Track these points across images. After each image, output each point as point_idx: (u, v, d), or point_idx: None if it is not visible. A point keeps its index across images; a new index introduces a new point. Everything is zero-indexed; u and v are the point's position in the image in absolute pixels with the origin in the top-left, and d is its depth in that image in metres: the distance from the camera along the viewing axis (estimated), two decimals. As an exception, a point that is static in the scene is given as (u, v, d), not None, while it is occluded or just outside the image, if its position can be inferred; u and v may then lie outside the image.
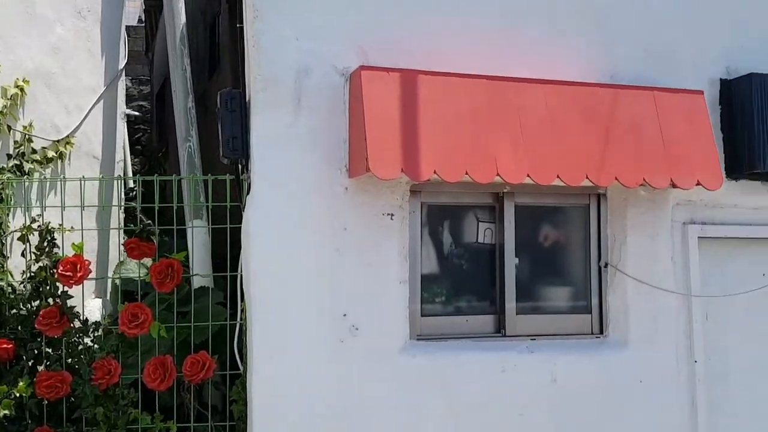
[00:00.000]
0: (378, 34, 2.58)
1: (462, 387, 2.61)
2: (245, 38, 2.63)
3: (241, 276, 2.65)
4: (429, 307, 2.74)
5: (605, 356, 2.78)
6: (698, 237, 2.95)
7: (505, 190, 2.76)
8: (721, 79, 2.98)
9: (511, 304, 2.77)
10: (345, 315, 2.52)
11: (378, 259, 2.56)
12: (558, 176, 2.53)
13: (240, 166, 2.72)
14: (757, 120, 2.85)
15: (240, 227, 2.57)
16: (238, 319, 2.71)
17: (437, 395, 2.59)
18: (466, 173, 2.41)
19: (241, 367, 2.66)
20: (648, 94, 2.70)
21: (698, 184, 2.65)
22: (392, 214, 2.57)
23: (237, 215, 2.66)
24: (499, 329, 2.77)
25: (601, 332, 2.87)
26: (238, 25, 2.78)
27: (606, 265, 2.88)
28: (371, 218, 2.55)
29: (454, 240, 2.81)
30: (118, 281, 3.25)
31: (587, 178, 2.55)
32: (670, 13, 2.94)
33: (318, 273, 2.50)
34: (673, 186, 2.65)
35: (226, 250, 2.73)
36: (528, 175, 2.48)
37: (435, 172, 2.38)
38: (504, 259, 2.78)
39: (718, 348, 2.99)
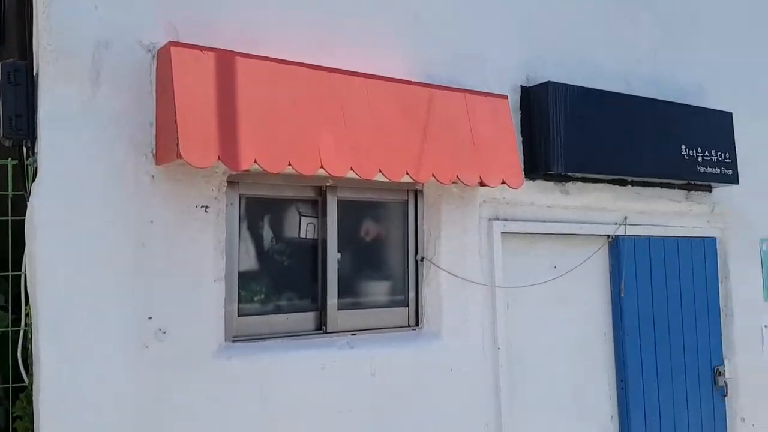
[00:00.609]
0: (190, 11, 2.38)
1: (280, 388, 2.50)
2: (34, 3, 2.28)
3: (25, 276, 2.29)
4: (247, 306, 2.60)
5: (420, 348, 2.86)
6: (501, 232, 3.16)
7: (328, 184, 2.72)
8: (521, 86, 3.24)
9: (332, 300, 2.73)
10: (150, 318, 2.27)
11: (190, 256, 2.35)
12: (380, 170, 2.54)
13: (25, 149, 2.35)
14: (552, 126, 3.14)
15: (24, 219, 2.21)
16: (22, 324, 2.35)
17: (254, 399, 2.45)
18: (289, 164, 2.31)
19: (26, 379, 2.31)
20: (460, 95, 2.84)
21: (503, 182, 2.84)
22: (207, 207, 2.39)
23: (21, 206, 2.29)
24: (321, 326, 2.72)
25: (417, 324, 2.95)
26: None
27: (422, 259, 2.97)
28: (183, 210, 2.34)
29: (274, 235, 2.70)
30: None
31: (407, 173, 2.60)
32: (478, 20, 3.12)
33: (118, 271, 2.22)
34: (482, 184, 2.81)
35: (7, 247, 2.34)
36: (351, 169, 2.46)
37: (255, 162, 2.24)
38: (326, 255, 2.73)
39: (517, 335, 3.24)
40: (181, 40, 2.29)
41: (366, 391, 2.70)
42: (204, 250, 2.39)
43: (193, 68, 2.20)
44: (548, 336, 3.38)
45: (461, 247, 3.02)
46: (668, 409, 3.66)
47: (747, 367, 4.04)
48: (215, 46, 2.32)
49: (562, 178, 3.36)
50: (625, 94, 3.50)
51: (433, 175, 2.65)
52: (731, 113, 3.87)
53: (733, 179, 3.84)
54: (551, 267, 3.42)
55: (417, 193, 2.98)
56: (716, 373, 3.90)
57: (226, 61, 2.27)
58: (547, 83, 3.15)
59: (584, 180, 3.44)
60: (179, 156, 2.11)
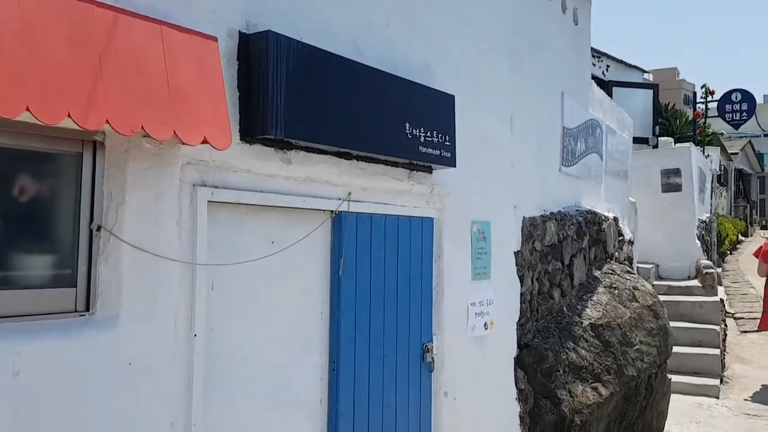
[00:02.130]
0: None
1: None
2: None
3: None
4: None
5: (88, 338, 2.28)
6: (208, 201, 2.71)
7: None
8: (240, 32, 2.81)
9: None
10: None
11: None
12: (28, 108, 1.91)
13: None
14: (272, 82, 2.77)
15: None
16: None
17: None
18: None
19: None
20: (154, 27, 2.30)
21: (205, 141, 2.39)
22: None
23: None
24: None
25: (88, 309, 2.37)
26: None
27: (99, 229, 2.39)
28: None
29: None
30: None
31: (70, 116, 2.00)
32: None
33: None
34: (178, 140, 2.33)
35: None
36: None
37: None
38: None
39: (224, 319, 2.85)
40: None
41: (4, 397, 2.06)
42: None
43: None
44: (260, 319, 3.04)
45: (153, 217, 2.50)
46: (378, 388, 3.61)
47: (453, 343, 4.21)
48: None
49: (284, 145, 3.03)
50: (356, 62, 3.29)
51: (108, 122, 2.08)
52: (454, 96, 3.93)
53: (451, 162, 3.92)
54: (268, 242, 3.09)
55: (96, 145, 2.38)
56: (425, 350, 3.98)
57: None
58: (268, 32, 2.77)
59: (308, 150, 3.16)
60: None
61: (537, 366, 5.18)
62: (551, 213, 5.72)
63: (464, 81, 4.29)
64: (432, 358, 4.03)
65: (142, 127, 2.19)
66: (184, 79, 2.36)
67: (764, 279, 8.23)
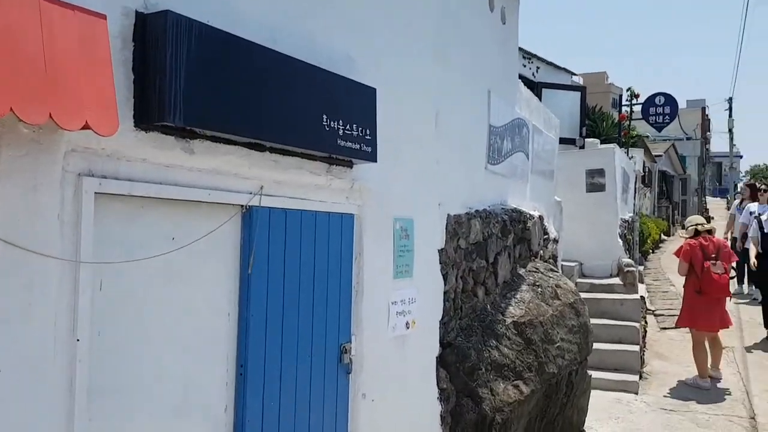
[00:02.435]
0: None
1: None
2: None
3: None
4: None
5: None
6: (95, 192, 2.48)
7: None
8: (137, 12, 2.59)
9: None
10: None
11: None
12: None
13: None
14: (170, 65, 2.56)
15: None
16: None
17: None
18: None
19: None
20: (33, 2, 2.06)
21: (86, 126, 2.16)
22: None
23: None
24: None
25: (-53, 312, 2.11)
26: None
27: (-38, 222, 2.13)
28: None
29: None
30: None
31: None
32: None
33: None
34: (56, 124, 2.10)
35: None
36: None
37: None
38: None
39: (115, 322, 2.62)
40: None
41: None
42: None
43: None
44: (159, 321, 2.82)
45: (29, 209, 2.25)
46: (290, 392, 3.45)
47: (373, 343, 4.10)
48: None
49: (186, 134, 2.82)
50: (269, 49, 3.11)
51: (-35, 101, 1.84)
52: (375, 89, 3.81)
53: (372, 156, 3.79)
54: (168, 238, 2.87)
55: (-41, 129, 2.12)
56: (342, 351, 3.85)
57: None
58: (167, 12, 2.55)
59: (215, 139, 2.96)
60: None
61: (459, 365, 5.13)
62: (476, 211, 5.69)
63: (387, 74, 4.17)
64: (350, 359, 3.90)
65: (11, 109, 1.95)
66: (64, 59, 2.12)
67: (684, 277, 8.53)
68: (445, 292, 5.06)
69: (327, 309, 3.78)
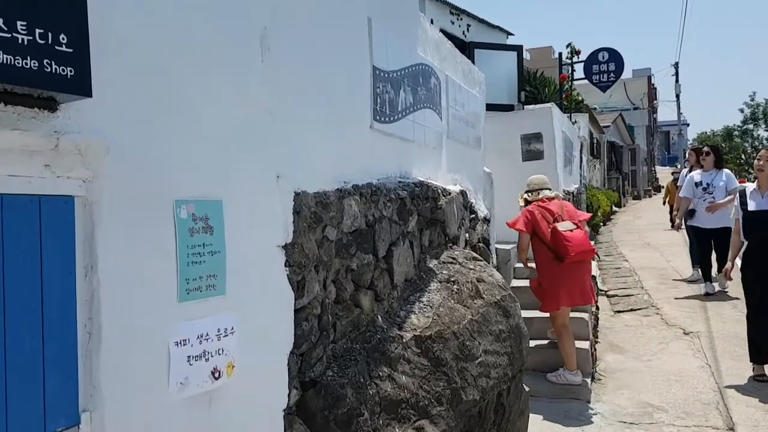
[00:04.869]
0: None
1: None
2: None
3: None
4: None
5: None
6: None
7: None
8: None
9: None
10: None
11: None
12: None
13: None
14: None
15: None
16: None
17: None
18: None
19: None
20: None
21: None
22: None
23: None
24: None
25: None
26: None
27: None
28: None
29: None
30: None
31: None
32: None
33: None
34: None
35: None
36: None
37: None
38: None
39: None
40: None
41: None
42: None
43: None
44: None
45: None
46: None
47: (136, 417, 2.38)
48: None
49: None
50: None
51: None
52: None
53: (80, 86, 2.04)
54: None
55: None
56: (59, 445, 2.12)
57: None
58: None
59: None
60: None
61: (329, 412, 3.47)
62: (355, 186, 4.01)
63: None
64: (81, 454, 2.17)
65: None
66: None
67: (526, 258, 6.78)
68: (300, 309, 3.38)
69: (27, 370, 2.05)
